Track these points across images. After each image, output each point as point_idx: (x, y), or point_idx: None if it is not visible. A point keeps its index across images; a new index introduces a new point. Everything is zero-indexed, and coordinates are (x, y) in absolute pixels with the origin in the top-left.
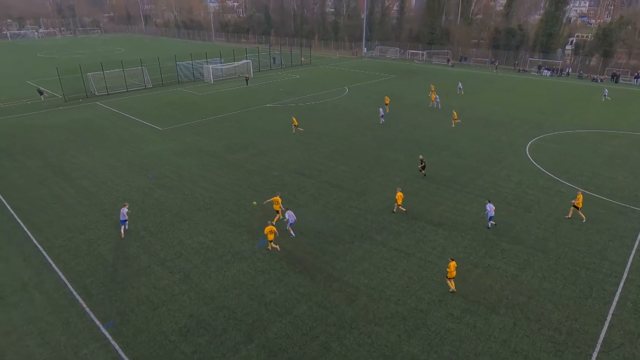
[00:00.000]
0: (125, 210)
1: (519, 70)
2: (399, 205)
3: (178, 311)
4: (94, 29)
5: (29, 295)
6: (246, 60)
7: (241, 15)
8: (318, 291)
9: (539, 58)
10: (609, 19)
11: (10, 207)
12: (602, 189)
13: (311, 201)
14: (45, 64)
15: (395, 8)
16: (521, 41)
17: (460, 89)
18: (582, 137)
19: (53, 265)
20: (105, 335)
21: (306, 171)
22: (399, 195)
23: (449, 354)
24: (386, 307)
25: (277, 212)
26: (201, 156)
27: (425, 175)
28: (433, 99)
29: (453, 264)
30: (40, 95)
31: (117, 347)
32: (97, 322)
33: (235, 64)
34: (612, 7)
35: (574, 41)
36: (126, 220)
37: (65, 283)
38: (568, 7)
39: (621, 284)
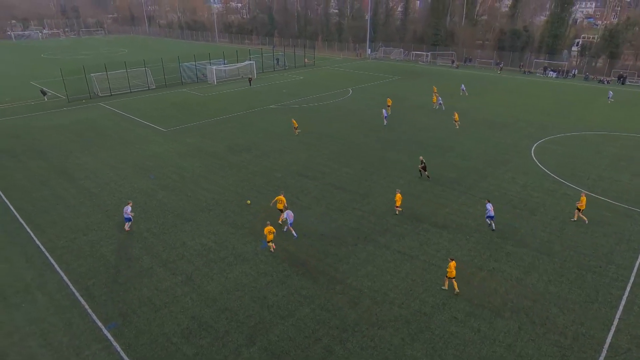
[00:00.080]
0: (129, 208)
1: (525, 72)
2: (397, 206)
3: (180, 313)
4: (98, 30)
5: (31, 296)
6: (249, 62)
7: (245, 16)
8: (321, 294)
9: (545, 59)
10: (615, 20)
11: (14, 208)
12: (608, 191)
13: (314, 203)
14: (48, 64)
15: (399, 9)
16: (526, 42)
17: (463, 90)
18: (588, 139)
19: (56, 266)
20: (107, 337)
21: (309, 173)
22: (398, 197)
23: (452, 357)
24: (389, 310)
25: (281, 211)
26: (204, 157)
27: (429, 177)
28: (435, 101)
29: (453, 263)
30: (44, 96)
31: (119, 348)
32: (99, 324)
33: (239, 65)
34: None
35: (580, 42)
36: (130, 219)
37: (67, 284)
38: (574, 8)
39: (628, 288)
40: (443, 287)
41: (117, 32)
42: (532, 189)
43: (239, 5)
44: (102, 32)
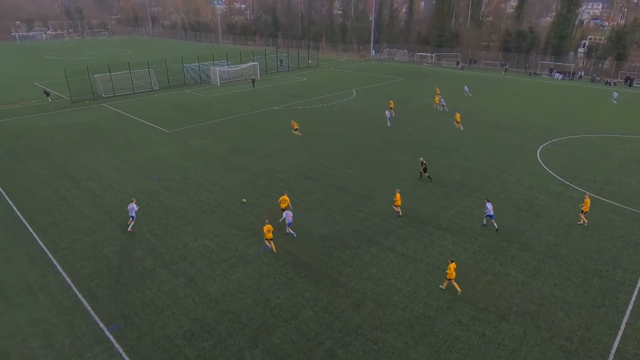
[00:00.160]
0: (135, 206)
1: (530, 74)
2: (395, 206)
3: (182, 315)
4: (102, 31)
5: (34, 297)
6: (253, 63)
7: (248, 17)
8: (324, 296)
9: (551, 61)
10: (622, 22)
11: (17, 209)
12: (616, 194)
13: (317, 204)
14: (52, 65)
15: (403, 10)
16: (532, 44)
17: (466, 91)
18: (595, 142)
19: (58, 267)
20: (109, 339)
21: (312, 174)
22: (398, 197)
23: None
24: (393, 314)
25: (284, 210)
26: (207, 158)
27: (430, 178)
28: (437, 102)
29: (453, 265)
30: (47, 96)
31: (121, 350)
32: (102, 325)
33: (242, 66)
34: (626, 10)
35: (586, 44)
36: (134, 217)
37: (70, 285)
38: (580, 9)
39: (635, 293)
40: (441, 286)
41: (121, 33)
42: (538, 192)
43: (243, 6)
44: (106, 33)
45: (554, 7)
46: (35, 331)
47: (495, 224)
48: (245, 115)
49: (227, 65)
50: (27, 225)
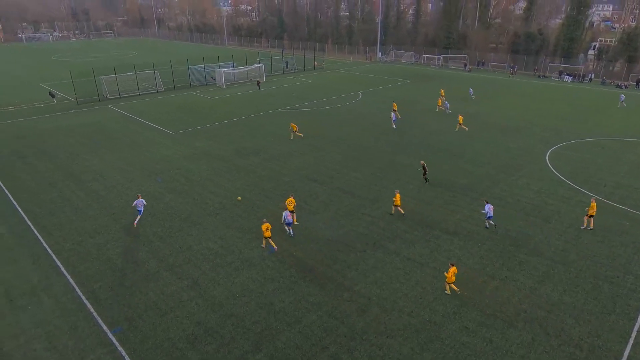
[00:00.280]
0: (143, 201)
1: (539, 76)
2: (395, 206)
3: (186, 318)
4: (108, 33)
5: (37, 298)
6: (258, 65)
7: (254, 19)
8: (328, 301)
9: (560, 63)
10: (634, 24)
11: (21, 210)
12: (627, 199)
13: (322, 208)
14: (58, 67)
15: (410, 12)
16: (541, 46)
17: (471, 94)
18: (606, 145)
19: (62, 268)
20: (112, 341)
21: (318, 177)
22: (397, 197)
23: None
24: (399, 319)
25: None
26: (211, 161)
27: (426, 180)
28: (440, 104)
29: (453, 269)
30: (53, 98)
31: (124, 353)
32: (105, 328)
33: (248, 67)
34: (637, 11)
35: (596, 46)
36: (141, 211)
37: (73, 287)
38: (590, 11)
39: None
40: (446, 292)
41: (127, 34)
42: (547, 196)
43: (249, 8)
44: (112, 34)
45: (563, 8)
46: (38, 333)
47: (490, 222)
48: (250, 117)
49: (233, 67)
50: (32, 226)
